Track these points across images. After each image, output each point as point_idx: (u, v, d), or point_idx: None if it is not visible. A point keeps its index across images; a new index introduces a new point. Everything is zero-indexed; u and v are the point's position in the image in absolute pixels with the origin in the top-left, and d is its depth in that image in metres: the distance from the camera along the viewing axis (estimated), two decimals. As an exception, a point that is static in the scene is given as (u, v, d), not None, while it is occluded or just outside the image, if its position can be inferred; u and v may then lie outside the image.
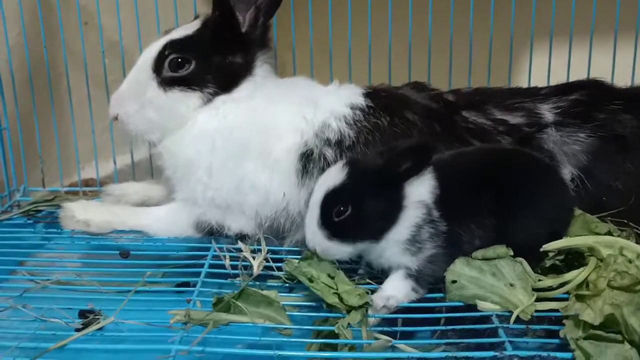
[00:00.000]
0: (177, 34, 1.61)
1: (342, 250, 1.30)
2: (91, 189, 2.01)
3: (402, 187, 1.29)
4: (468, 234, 1.30)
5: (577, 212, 1.43)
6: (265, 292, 1.30)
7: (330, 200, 1.28)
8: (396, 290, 1.30)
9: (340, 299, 1.27)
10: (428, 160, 1.30)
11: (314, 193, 1.33)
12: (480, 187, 1.32)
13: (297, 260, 1.37)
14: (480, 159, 1.39)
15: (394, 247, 1.30)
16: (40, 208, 1.83)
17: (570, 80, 1.84)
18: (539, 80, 1.91)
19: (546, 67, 1.92)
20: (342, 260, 1.34)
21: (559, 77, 1.86)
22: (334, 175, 1.30)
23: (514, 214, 1.32)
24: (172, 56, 1.57)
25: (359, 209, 1.28)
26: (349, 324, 1.23)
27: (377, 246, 1.30)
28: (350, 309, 1.26)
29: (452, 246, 1.30)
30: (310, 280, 1.31)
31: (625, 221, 1.43)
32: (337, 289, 1.29)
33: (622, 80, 1.82)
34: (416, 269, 1.30)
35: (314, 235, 1.30)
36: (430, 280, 1.32)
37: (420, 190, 1.30)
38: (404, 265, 1.30)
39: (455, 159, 1.39)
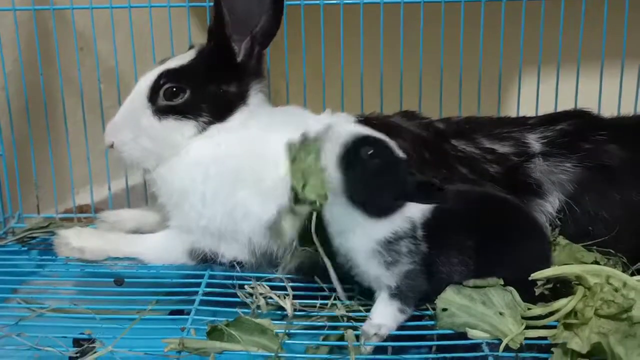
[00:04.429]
0: (173, 63, 1.64)
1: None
2: (86, 215, 2.01)
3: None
4: (447, 266, 1.32)
5: (564, 241, 1.46)
6: (258, 320, 1.32)
7: (363, 143, 1.26)
8: (385, 317, 1.31)
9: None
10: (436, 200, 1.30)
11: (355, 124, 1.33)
12: (467, 229, 1.34)
13: None
14: (473, 203, 1.40)
15: (364, 241, 1.30)
16: (34, 235, 1.84)
17: (559, 106, 1.89)
18: (528, 106, 1.95)
19: (535, 93, 1.95)
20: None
21: (547, 103, 1.91)
22: (386, 138, 1.30)
23: (492, 260, 1.34)
24: (167, 85, 1.59)
25: (372, 180, 1.27)
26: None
27: (348, 222, 1.30)
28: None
29: (430, 269, 1.32)
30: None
31: (612, 250, 1.46)
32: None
33: (609, 106, 1.87)
34: (395, 285, 1.31)
35: (330, 152, 1.25)
36: (412, 296, 1.32)
37: (414, 207, 1.32)
38: (382, 283, 1.31)
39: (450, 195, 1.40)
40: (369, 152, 1.26)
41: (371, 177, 1.27)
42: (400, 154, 1.30)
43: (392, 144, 1.30)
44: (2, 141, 1.94)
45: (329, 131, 1.28)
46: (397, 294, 1.31)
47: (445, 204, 1.29)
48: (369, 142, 1.28)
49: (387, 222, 1.30)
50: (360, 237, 1.31)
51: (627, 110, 1.88)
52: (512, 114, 1.97)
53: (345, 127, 1.31)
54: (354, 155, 1.26)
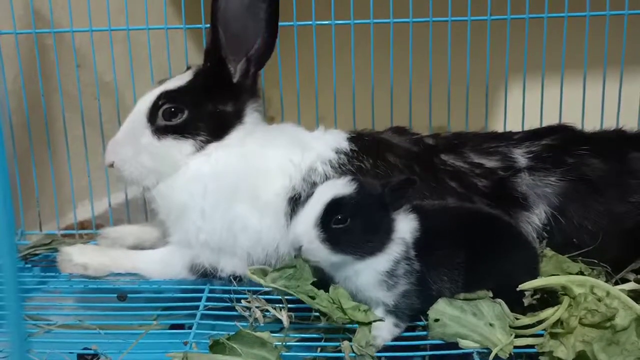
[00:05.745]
0: (171, 84, 1.69)
1: (326, 256, 1.35)
2: (87, 231, 2.05)
3: (394, 221, 1.38)
4: (438, 283, 1.38)
5: (550, 253, 1.51)
6: (258, 334, 1.37)
7: (335, 207, 1.34)
8: (380, 329, 1.37)
9: (346, 315, 1.35)
10: (412, 189, 1.39)
11: (316, 194, 1.39)
12: (455, 245, 1.40)
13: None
14: (459, 219, 1.46)
15: (371, 276, 1.36)
16: (37, 252, 1.87)
17: (544, 114, 1.94)
18: (515, 115, 2.01)
19: (521, 102, 2.01)
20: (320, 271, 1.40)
21: (533, 113, 1.96)
22: (342, 186, 1.38)
23: (481, 275, 1.40)
24: (165, 106, 1.65)
25: (358, 225, 1.34)
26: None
27: (355, 267, 1.37)
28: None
29: (423, 286, 1.38)
30: (312, 298, 1.38)
31: (596, 260, 1.52)
32: (340, 305, 1.36)
33: (593, 113, 1.93)
34: (393, 304, 1.37)
35: (306, 232, 1.35)
36: (408, 313, 1.39)
37: (404, 228, 1.39)
38: (381, 301, 1.37)
39: (438, 212, 1.47)
40: (338, 219, 1.33)
41: (353, 238, 1.34)
42: (368, 187, 1.38)
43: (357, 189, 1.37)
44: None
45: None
46: (394, 310, 1.38)
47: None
48: (334, 209, 1.34)
49: (388, 254, 1.36)
50: (368, 274, 1.37)
51: (610, 116, 1.94)
52: (500, 123, 2.04)
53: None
54: (328, 231, 1.34)
